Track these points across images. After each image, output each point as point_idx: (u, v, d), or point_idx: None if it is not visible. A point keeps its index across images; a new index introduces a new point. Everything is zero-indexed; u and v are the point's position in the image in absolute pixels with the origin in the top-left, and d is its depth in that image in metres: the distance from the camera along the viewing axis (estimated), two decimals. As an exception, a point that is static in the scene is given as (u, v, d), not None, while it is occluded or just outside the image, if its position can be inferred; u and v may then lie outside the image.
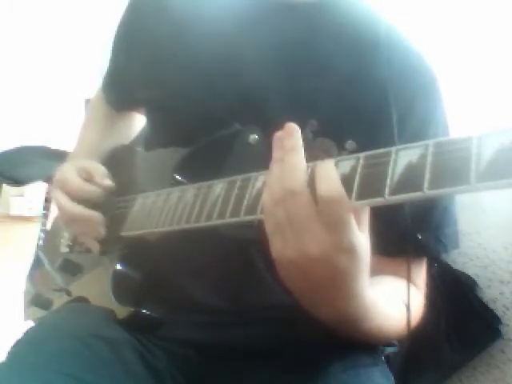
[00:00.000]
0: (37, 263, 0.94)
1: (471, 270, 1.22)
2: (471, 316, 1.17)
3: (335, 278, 0.50)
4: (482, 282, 1.20)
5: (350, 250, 0.48)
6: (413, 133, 0.64)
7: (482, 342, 1.17)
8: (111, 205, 0.75)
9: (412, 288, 0.68)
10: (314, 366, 0.67)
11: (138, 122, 0.96)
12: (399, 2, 1.19)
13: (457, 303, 1.16)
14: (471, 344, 1.17)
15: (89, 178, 0.76)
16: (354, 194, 0.44)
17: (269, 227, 0.50)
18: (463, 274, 1.22)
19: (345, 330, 0.61)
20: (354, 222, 0.47)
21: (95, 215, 0.73)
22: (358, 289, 0.53)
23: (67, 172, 0.77)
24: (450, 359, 1.18)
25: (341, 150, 0.64)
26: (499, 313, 1.17)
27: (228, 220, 0.54)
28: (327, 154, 0.65)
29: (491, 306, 1.18)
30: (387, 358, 0.76)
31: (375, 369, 0.69)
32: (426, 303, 0.72)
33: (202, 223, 0.57)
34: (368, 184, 0.44)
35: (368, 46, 0.67)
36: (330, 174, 0.46)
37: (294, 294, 0.56)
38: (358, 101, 0.66)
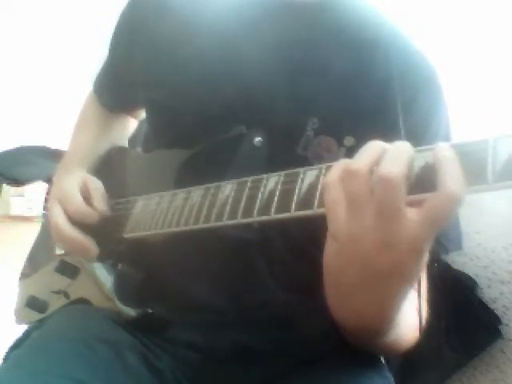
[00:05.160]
0: (30, 265, 0.94)
1: (471, 270, 1.22)
2: (471, 316, 1.17)
3: (396, 267, 0.46)
4: (482, 281, 1.20)
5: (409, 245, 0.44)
6: (415, 127, 0.64)
7: (482, 342, 1.18)
8: (110, 207, 0.75)
9: (413, 292, 0.67)
10: (314, 367, 0.68)
11: (132, 123, 0.96)
12: (400, 2, 1.19)
13: (457, 303, 1.16)
14: (471, 344, 1.17)
15: (88, 198, 0.75)
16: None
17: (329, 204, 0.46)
18: (463, 274, 1.22)
19: (366, 340, 0.61)
20: (406, 214, 0.43)
21: (88, 243, 0.72)
22: (401, 293, 0.50)
23: (71, 188, 0.76)
24: (450, 359, 1.18)
25: (340, 146, 0.64)
26: (499, 313, 1.17)
27: (240, 221, 0.54)
28: (328, 152, 0.65)
29: (491, 306, 1.18)
30: (387, 358, 0.76)
31: (374, 369, 0.69)
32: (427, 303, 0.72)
33: (212, 224, 0.57)
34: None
35: (368, 45, 0.67)
36: (400, 154, 0.43)
37: (331, 289, 0.54)
38: (358, 98, 0.66)
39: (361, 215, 0.44)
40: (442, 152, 0.42)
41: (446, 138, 0.69)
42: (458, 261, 1.23)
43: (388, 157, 0.43)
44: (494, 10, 1.19)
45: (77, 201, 0.74)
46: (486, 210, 1.16)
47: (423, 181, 0.43)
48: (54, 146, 2.11)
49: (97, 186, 0.77)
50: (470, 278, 1.21)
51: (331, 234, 0.48)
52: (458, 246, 0.70)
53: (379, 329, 0.57)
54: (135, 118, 0.96)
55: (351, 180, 0.44)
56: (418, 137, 0.59)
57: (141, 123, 0.96)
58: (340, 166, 0.46)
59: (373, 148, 0.46)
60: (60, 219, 0.74)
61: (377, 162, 0.44)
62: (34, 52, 2.75)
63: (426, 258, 0.46)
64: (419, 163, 0.43)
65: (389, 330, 0.57)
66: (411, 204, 0.43)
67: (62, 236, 0.74)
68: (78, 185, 0.77)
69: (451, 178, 0.41)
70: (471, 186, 0.40)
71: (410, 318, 0.60)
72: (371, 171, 0.44)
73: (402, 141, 0.45)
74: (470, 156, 0.41)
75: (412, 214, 0.43)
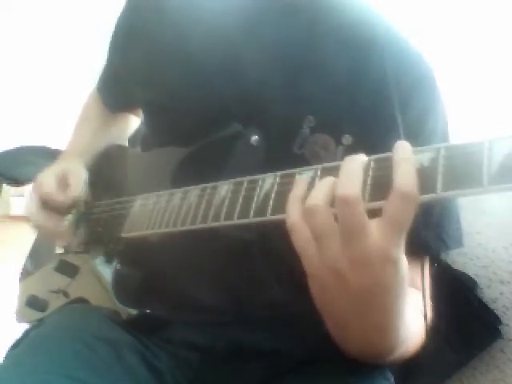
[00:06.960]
0: (30, 264, 0.94)
1: (471, 270, 1.21)
2: (471, 316, 1.17)
3: (369, 290, 0.47)
4: (482, 282, 1.20)
5: (385, 261, 0.45)
6: (411, 126, 0.64)
7: (482, 342, 1.17)
8: (104, 207, 0.75)
9: (417, 293, 0.67)
10: (314, 367, 0.68)
11: (133, 123, 0.96)
12: (398, 2, 1.19)
13: (457, 303, 1.16)
14: (471, 344, 1.17)
15: (64, 186, 0.76)
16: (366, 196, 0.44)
17: (298, 242, 0.48)
18: (463, 274, 1.22)
19: (378, 362, 0.62)
20: (370, 228, 0.44)
21: (59, 226, 0.74)
22: (394, 308, 0.51)
23: (45, 176, 0.78)
24: (450, 359, 1.18)
25: (338, 144, 0.64)
26: (499, 313, 1.17)
27: (236, 221, 0.54)
28: (326, 150, 0.65)
29: (491, 306, 1.17)
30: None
31: (375, 370, 0.69)
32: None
33: (209, 224, 0.57)
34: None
35: (365, 44, 0.67)
36: (351, 172, 0.44)
37: (329, 322, 0.55)
38: (355, 97, 0.66)
39: (330, 246, 0.45)
40: (396, 152, 0.43)
41: (444, 137, 0.69)
42: (458, 261, 1.23)
43: (341, 177, 0.44)
44: (493, 9, 1.19)
45: (48, 185, 0.76)
46: (486, 210, 1.16)
47: (382, 187, 0.43)
48: (54, 146, 2.10)
49: (76, 172, 0.78)
50: (470, 278, 1.20)
51: (310, 274, 0.49)
52: (459, 243, 0.70)
53: (387, 350, 0.58)
54: (137, 115, 0.96)
55: (312, 216, 0.45)
56: (414, 135, 0.59)
57: (141, 123, 0.96)
58: (295, 205, 0.47)
59: (325, 181, 0.46)
60: (31, 203, 0.76)
61: (331, 192, 0.45)
62: (34, 52, 2.75)
63: (404, 267, 0.47)
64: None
65: (397, 348, 0.58)
66: (374, 214, 0.44)
67: (32, 220, 0.76)
68: (55, 171, 0.78)
69: (402, 178, 0.41)
70: (466, 188, 0.40)
71: (415, 323, 0.61)
72: (328, 202, 0.45)
73: (353, 154, 0.46)
74: (465, 158, 0.40)
75: (375, 226, 0.44)
